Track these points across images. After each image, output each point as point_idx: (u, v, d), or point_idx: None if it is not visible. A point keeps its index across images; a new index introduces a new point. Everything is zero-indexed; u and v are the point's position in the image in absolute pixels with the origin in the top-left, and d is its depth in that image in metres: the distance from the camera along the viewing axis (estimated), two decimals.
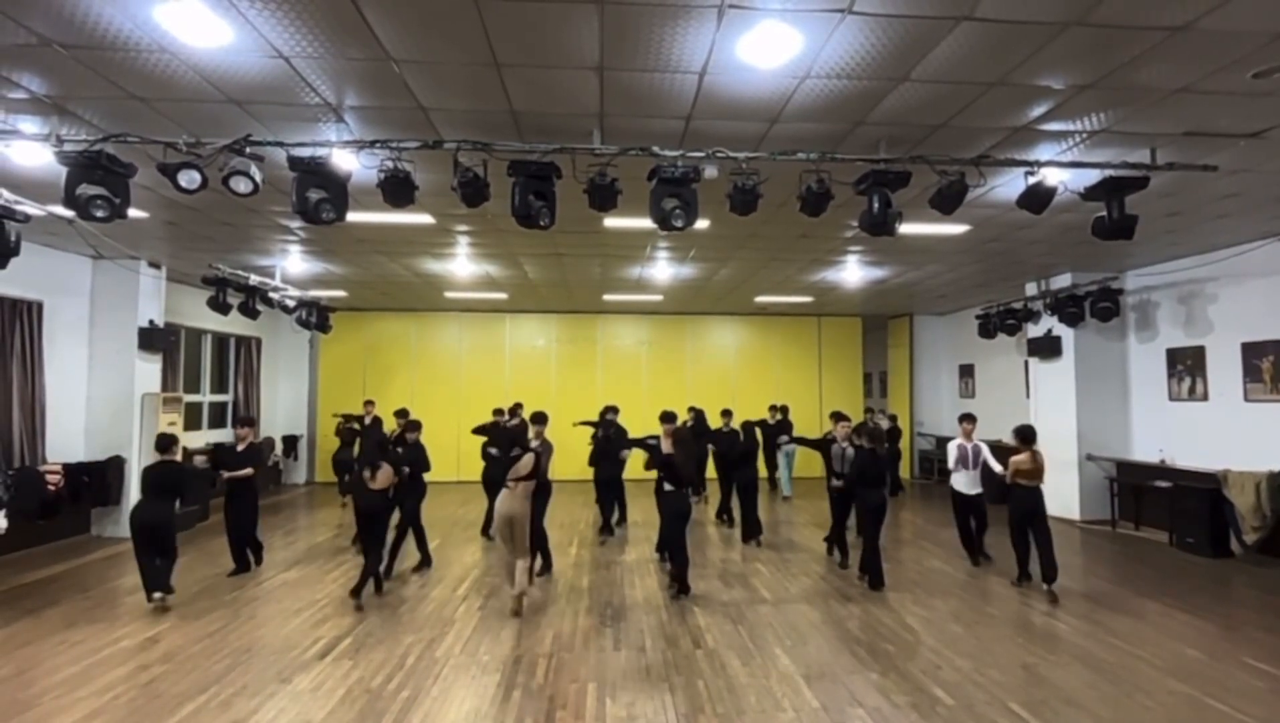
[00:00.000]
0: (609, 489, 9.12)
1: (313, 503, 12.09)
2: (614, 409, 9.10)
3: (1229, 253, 8.36)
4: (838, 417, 8.04)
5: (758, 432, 9.33)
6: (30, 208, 5.76)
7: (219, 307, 9.15)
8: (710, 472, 10.98)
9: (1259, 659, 4.98)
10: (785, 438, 10.74)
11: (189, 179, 4.53)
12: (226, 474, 7.03)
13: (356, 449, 9.41)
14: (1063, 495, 9.82)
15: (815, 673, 4.73)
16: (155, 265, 9.66)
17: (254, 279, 9.46)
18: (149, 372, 9.56)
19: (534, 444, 6.49)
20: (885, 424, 12.07)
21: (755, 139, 5.17)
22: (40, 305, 8.50)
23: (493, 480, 7.46)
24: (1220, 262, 8.53)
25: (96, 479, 8.79)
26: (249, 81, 4.27)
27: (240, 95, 4.46)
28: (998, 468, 7.16)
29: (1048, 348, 10.48)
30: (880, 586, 6.66)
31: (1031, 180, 5.21)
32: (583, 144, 4.89)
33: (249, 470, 7.04)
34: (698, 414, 10.91)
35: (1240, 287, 8.37)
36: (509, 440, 6.38)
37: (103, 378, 9.23)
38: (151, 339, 9.44)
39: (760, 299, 13.20)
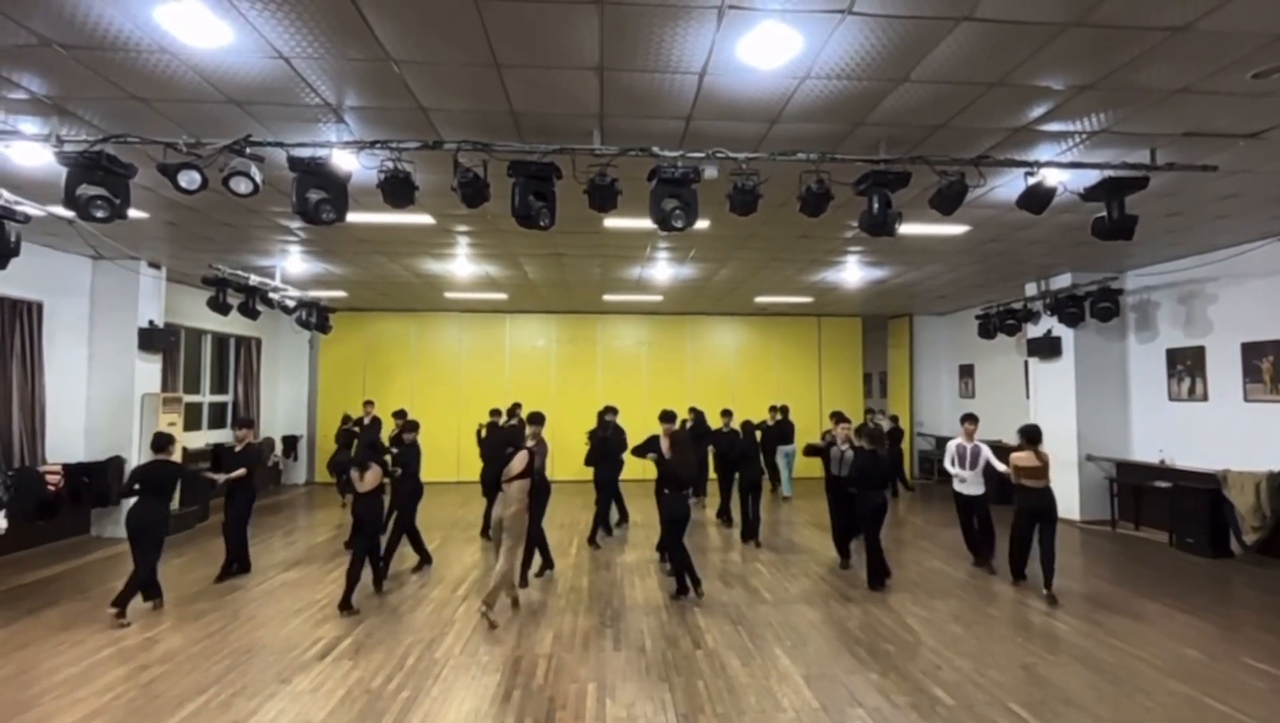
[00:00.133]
0: (608, 491, 9.10)
1: (312, 503, 12.09)
2: (613, 410, 9.10)
3: (1229, 253, 8.36)
4: (838, 418, 8.03)
5: (757, 433, 9.34)
6: (30, 208, 5.76)
7: (219, 307, 9.15)
8: (710, 472, 10.96)
9: (1259, 660, 4.98)
10: (791, 449, 10.73)
11: (189, 180, 4.54)
12: (221, 478, 7.00)
13: (354, 451, 9.40)
14: (1063, 496, 9.64)
15: (815, 673, 4.73)
16: (155, 266, 9.66)
17: (254, 279, 9.46)
18: (149, 372, 9.57)
19: (530, 444, 6.47)
20: (886, 425, 12.07)
21: (755, 139, 5.18)
22: (40, 306, 8.51)
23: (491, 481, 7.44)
24: (1220, 262, 8.53)
25: (96, 480, 8.78)
26: (249, 82, 4.27)
27: (240, 96, 4.46)
28: (1000, 467, 7.15)
29: (1047, 348, 10.48)
30: (880, 586, 6.66)
31: (1031, 181, 5.21)
32: (583, 144, 4.89)
33: (242, 471, 7.01)
34: (697, 415, 10.90)
35: (1240, 287, 8.38)
36: (503, 441, 6.34)
37: (102, 378, 9.24)
38: (151, 339, 9.44)
39: (760, 299, 13.20)
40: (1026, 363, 11.42)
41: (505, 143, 4.95)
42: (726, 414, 10.23)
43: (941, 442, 12.95)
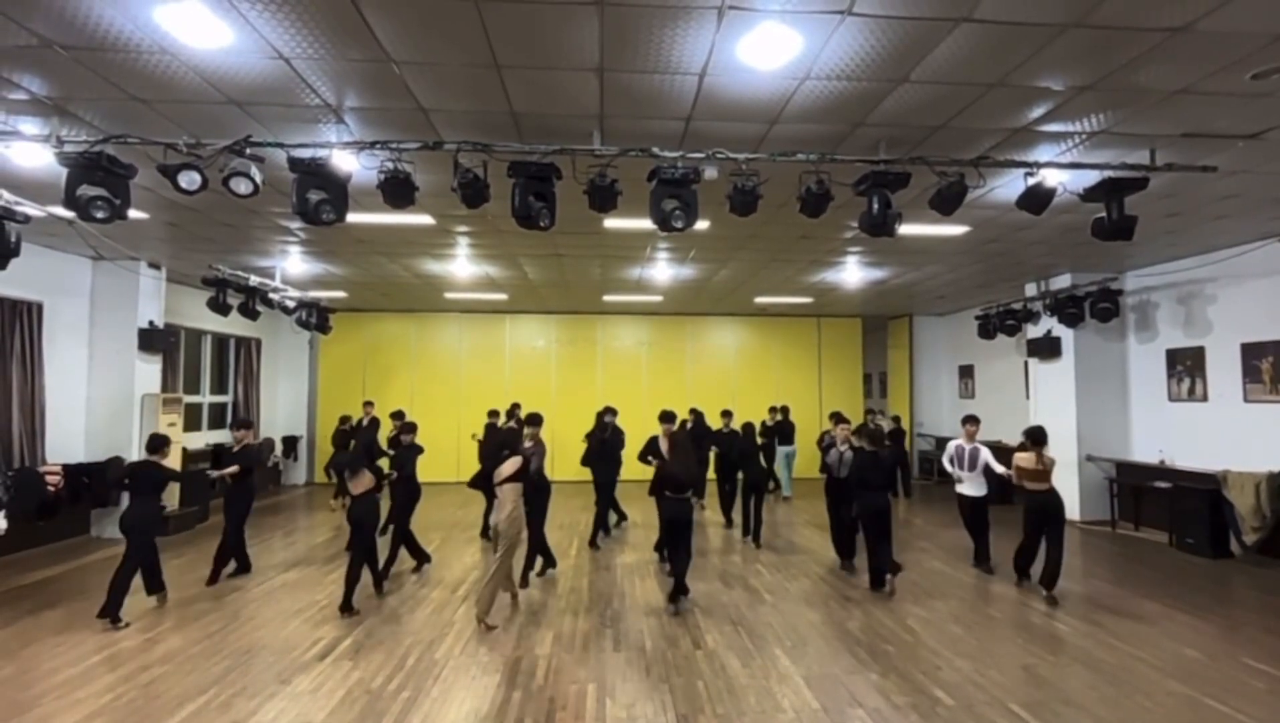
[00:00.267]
0: (608, 492, 9.09)
1: (312, 504, 12.09)
2: (611, 411, 9.09)
3: (1228, 253, 8.37)
4: (837, 418, 8.02)
5: (759, 437, 9.33)
6: (30, 209, 5.77)
7: (219, 307, 9.15)
8: (710, 473, 10.95)
9: (1259, 660, 4.98)
10: (792, 449, 10.75)
11: (189, 180, 4.54)
12: (214, 474, 7.00)
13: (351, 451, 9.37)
14: (1063, 496, 9.77)
15: (815, 674, 4.73)
16: (155, 266, 9.66)
17: (254, 280, 9.46)
18: (149, 372, 9.57)
19: (527, 445, 6.45)
20: (888, 425, 12.07)
21: (755, 140, 5.18)
22: (40, 306, 8.51)
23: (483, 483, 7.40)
24: (1220, 262, 8.54)
25: (96, 480, 8.78)
26: (249, 83, 4.27)
27: (240, 96, 4.46)
28: (999, 469, 7.15)
29: (1047, 349, 10.48)
30: (879, 586, 6.65)
31: (1031, 181, 5.21)
32: (583, 145, 4.89)
33: (234, 468, 7.00)
34: (697, 416, 10.89)
35: (1240, 287, 8.38)
36: (499, 444, 6.30)
37: (102, 379, 9.24)
38: (151, 340, 9.45)
39: (760, 300, 13.20)
40: (1026, 363, 11.42)
41: (505, 143, 4.96)
42: (726, 415, 10.23)
43: (941, 442, 12.94)
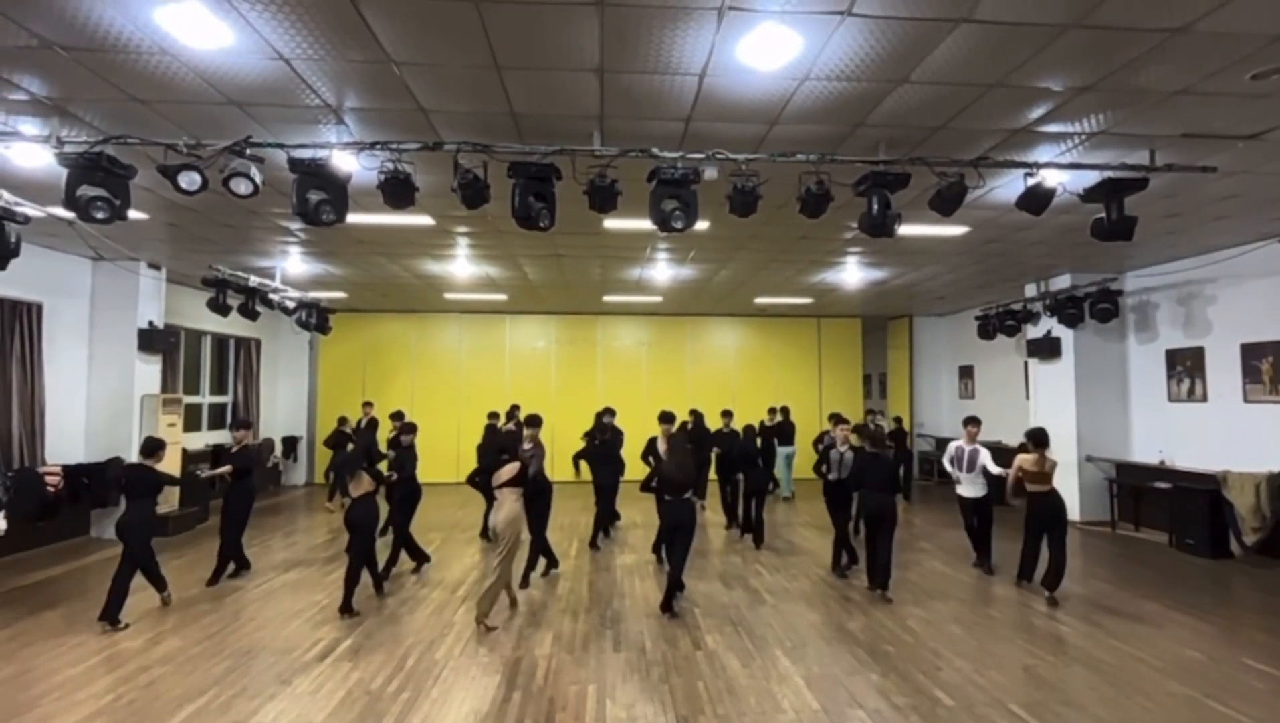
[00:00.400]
0: (608, 494, 9.06)
1: (311, 505, 12.09)
2: (610, 411, 9.08)
3: (1228, 254, 8.37)
4: (836, 419, 8.01)
5: (758, 439, 9.32)
6: (30, 209, 5.76)
7: (219, 308, 9.15)
8: (711, 473, 10.94)
9: (1259, 660, 4.98)
10: (792, 450, 10.75)
11: (189, 181, 4.54)
12: (204, 473, 6.99)
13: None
14: (1063, 497, 9.77)
15: (815, 674, 4.73)
16: (155, 267, 9.66)
17: (254, 280, 9.46)
18: (149, 373, 9.57)
19: (526, 446, 6.43)
20: (889, 426, 12.06)
21: (755, 141, 5.18)
22: (40, 306, 8.51)
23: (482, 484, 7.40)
24: (1219, 263, 8.54)
25: (96, 481, 8.77)
26: (249, 83, 4.27)
27: (241, 97, 4.46)
28: (995, 470, 7.15)
29: (1047, 349, 10.48)
30: (880, 584, 6.62)
31: (1031, 182, 5.21)
32: (583, 146, 4.90)
33: (226, 468, 7.00)
34: (697, 418, 10.88)
35: (1239, 288, 8.38)
36: (498, 446, 6.28)
37: (102, 379, 9.24)
38: (151, 340, 9.44)
39: (760, 300, 13.20)
40: (1026, 364, 11.42)
41: (505, 144, 4.95)
42: (727, 415, 10.23)
43: (942, 443, 12.96)
